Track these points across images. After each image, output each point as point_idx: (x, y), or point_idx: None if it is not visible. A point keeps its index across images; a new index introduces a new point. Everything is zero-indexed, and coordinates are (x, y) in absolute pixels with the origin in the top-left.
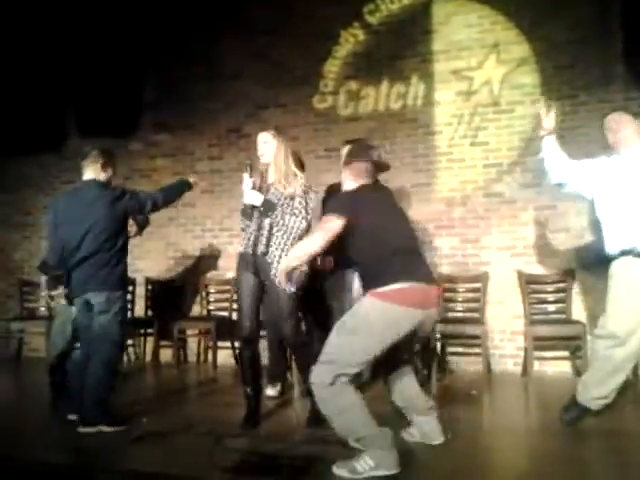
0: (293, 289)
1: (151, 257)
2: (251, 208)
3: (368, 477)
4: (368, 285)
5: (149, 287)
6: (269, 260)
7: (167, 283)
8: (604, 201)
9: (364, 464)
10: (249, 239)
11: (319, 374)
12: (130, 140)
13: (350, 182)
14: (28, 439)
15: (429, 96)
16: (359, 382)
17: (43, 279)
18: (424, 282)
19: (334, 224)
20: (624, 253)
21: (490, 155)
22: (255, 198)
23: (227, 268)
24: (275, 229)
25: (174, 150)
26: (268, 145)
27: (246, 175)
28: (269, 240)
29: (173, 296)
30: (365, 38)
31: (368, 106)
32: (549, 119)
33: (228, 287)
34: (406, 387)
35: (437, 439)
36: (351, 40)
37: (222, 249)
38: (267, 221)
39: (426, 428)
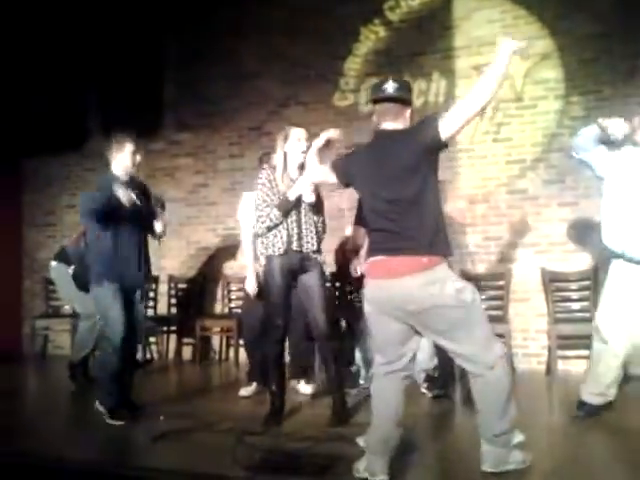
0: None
1: (173, 255)
2: (295, 203)
3: None
4: None
5: (171, 285)
6: (316, 256)
7: (189, 281)
8: (608, 198)
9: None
10: (289, 236)
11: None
12: (152, 139)
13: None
14: (52, 436)
15: (451, 92)
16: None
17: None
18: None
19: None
20: (616, 256)
21: (513, 151)
22: (307, 192)
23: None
24: (319, 226)
25: (195, 149)
26: (305, 142)
27: (265, 172)
28: (317, 236)
29: (195, 294)
30: (385, 35)
31: None
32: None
33: None
34: None
35: None
36: (371, 37)
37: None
38: (309, 217)
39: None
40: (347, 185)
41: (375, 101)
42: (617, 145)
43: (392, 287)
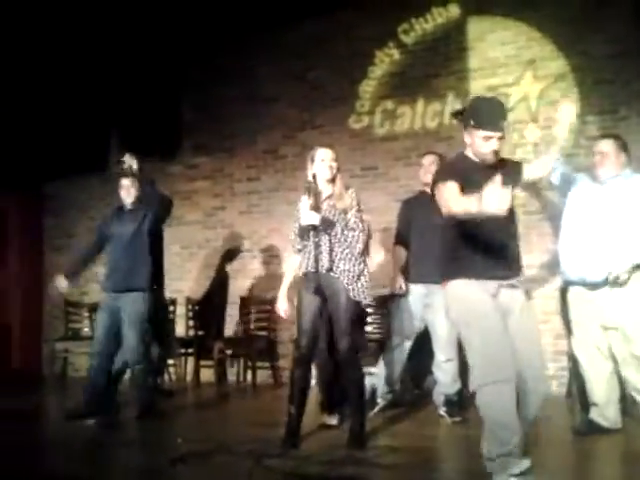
0: (368, 299)
1: (191, 278)
2: (309, 228)
3: None
4: None
5: (189, 307)
6: (336, 275)
7: (207, 303)
8: (568, 228)
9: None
10: (309, 259)
11: None
12: (170, 163)
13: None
14: (70, 457)
15: None
16: None
17: None
18: None
19: None
20: (574, 283)
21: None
22: (313, 218)
23: (266, 289)
24: (336, 245)
25: (213, 172)
26: (333, 162)
27: (305, 197)
28: (331, 256)
29: (213, 316)
30: (400, 57)
31: (404, 125)
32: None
33: (267, 307)
34: None
35: None
36: (386, 60)
37: (261, 269)
38: (325, 238)
39: None
40: None
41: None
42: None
43: None
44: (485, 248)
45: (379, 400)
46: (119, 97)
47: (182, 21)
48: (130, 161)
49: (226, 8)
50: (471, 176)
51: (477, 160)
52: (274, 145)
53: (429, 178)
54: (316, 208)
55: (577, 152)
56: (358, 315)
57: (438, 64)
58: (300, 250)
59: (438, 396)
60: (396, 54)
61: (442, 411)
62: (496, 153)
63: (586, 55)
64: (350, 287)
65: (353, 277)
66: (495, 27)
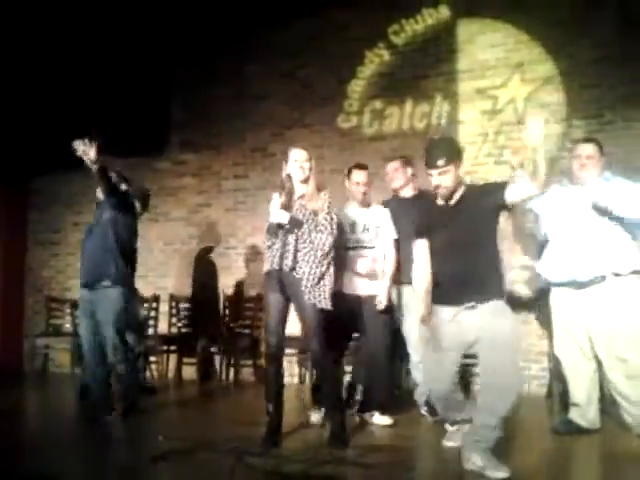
0: (326, 305)
1: (175, 275)
2: (277, 226)
3: None
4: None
5: (172, 304)
6: (297, 275)
7: (190, 300)
8: (552, 225)
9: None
10: (274, 256)
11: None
12: (157, 159)
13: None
14: (51, 455)
15: (453, 115)
16: None
17: None
18: None
19: None
20: (558, 284)
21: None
22: (282, 216)
23: (250, 286)
24: (301, 245)
25: (200, 169)
26: (305, 163)
27: (276, 194)
28: (295, 256)
29: (196, 314)
30: (390, 58)
31: (392, 125)
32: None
33: (251, 305)
34: None
35: None
36: (376, 60)
37: (245, 267)
38: (292, 237)
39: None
40: None
41: None
42: None
43: None
44: (440, 278)
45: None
46: (106, 93)
47: (172, 19)
48: (81, 146)
49: (216, 7)
50: (433, 217)
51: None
52: (262, 143)
53: (396, 184)
54: (287, 207)
55: (563, 155)
56: (329, 315)
57: (427, 65)
58: (269, 247)
59: (420, 396)
60: (386, 54)
61: (423, 411)
62: (443, 187)
63: (573, 59)
64: (308, 290)
65: (313, 279)
66: (484, 29)
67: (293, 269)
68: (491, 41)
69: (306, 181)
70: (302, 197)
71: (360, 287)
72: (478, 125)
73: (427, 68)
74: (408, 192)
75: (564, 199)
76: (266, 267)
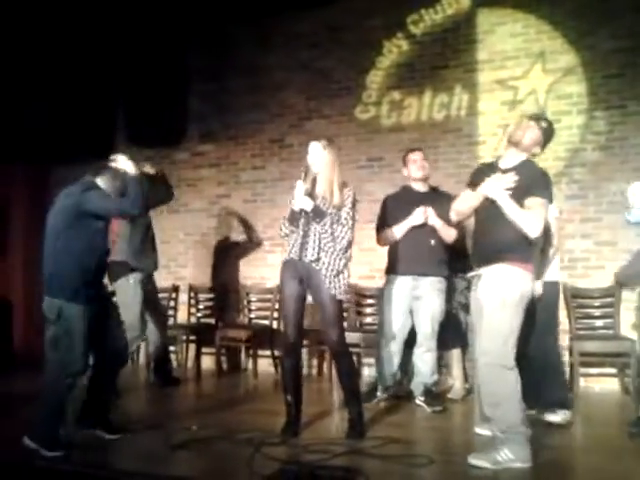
0: (344, 296)
1: (194, 265)
2: (300, 214)
3: (506, 468)
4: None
5: (191, 294)
6: (317, 267)
7: (209, 291)
8: None
9: (504, 456)
10: (294, 245)
11: (505, 355)
12: (176, 150)
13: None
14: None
15: (473, 106)
16: None
17: None
18: None
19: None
20: None
21: None
22: (306, 203)
23: (268, 277)
24: (323, 237)
25: (218, 160)
26: (318, 155)
27: (300, 181)
28: (319, 247)
29: (215, 304)
30: (408, 48)
31: (411, 116)
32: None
33: (269, 296)
34: None
35: None
36: (394, 50)
37: (264, 258)
38: (315, 228)
39: None
40: None
41: None
42: None
43: None
44: None
45: (378, 394)
46: (126, 84)
47: (190, 9)
48: (123, 161)
49: None
50: None
51: None
52: (280, 134)
53: (422, 173)
54: (311, 195)
55: (584, 147)
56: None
57: (446, 56)
58: (287, 235)
59: (417, 386)
60: (404, 45)
61: (420, 401)
62: None
63: (595, 49)
64: (328, 281)
65: (332, 271)
66: (505, 19)
67: (314, 261)
68: (511, 31)
69: (324, 175)
70: (325, 191)
71: None
72: (498, 116)
73: (446, 58)
74: (423, 186)
75: None
76: (284, 256)
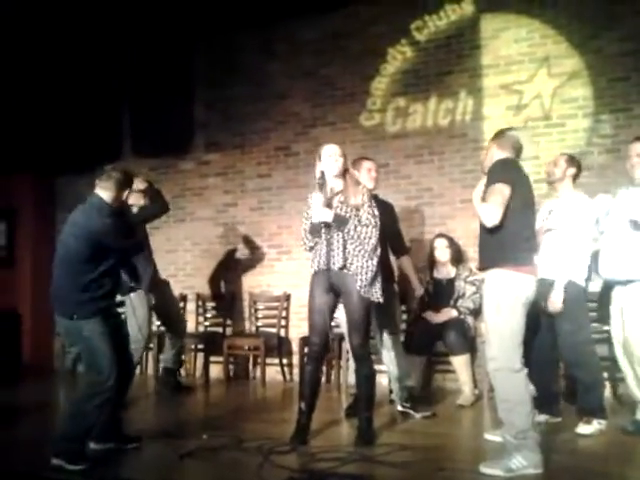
0: (381, 298)
1: (202, 274)
2: (321, 225)
3: (520, 475)
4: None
5: (199, 303)
6: (349, 272)
7: (217, 299)
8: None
9: (517, 463)
10: (320, 256)
11: (510, 358)
12: (182, 159)
13: (499, 153)
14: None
15: (478, 111)
16: None
17: None
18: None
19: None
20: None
21: (541, 170)
22: (326, 215)
23: (275, 284)
24: (349, 242)
25: (225, 169)
26: (338, 158)
27: (316, 193)
28: (344, 253)
29: (223, 312)
30: (413, 55)
31: (416, 122)
32: None
33: (276, 304)
34: None
35: None
36: (399, 57)
37: (271, 265)
38: (337, 236)
39: None
40: None
41: None
42: None
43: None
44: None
45: (393, 396)
46: (131, 94)
47: (195, 18)
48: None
49: (238, 4)
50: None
51: None
52: (286, 142)
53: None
54: (328, 205)
55: (590, 150)
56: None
57: (451, 61)
58: (312, 248)
59: (400, 391)
60: (409, 51)
61: (403, 407)
62: None
63: (600, 53)
64: (364, 284)
65: (366, 274)
66: (508, 24)
67: (343, 267)
68: (515, 36)
69: (341, 176)
70: (341, 193)
71: None
72: (503, 121)
73: (451, 64)
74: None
75: (626, 201)
76: (313, 267)
